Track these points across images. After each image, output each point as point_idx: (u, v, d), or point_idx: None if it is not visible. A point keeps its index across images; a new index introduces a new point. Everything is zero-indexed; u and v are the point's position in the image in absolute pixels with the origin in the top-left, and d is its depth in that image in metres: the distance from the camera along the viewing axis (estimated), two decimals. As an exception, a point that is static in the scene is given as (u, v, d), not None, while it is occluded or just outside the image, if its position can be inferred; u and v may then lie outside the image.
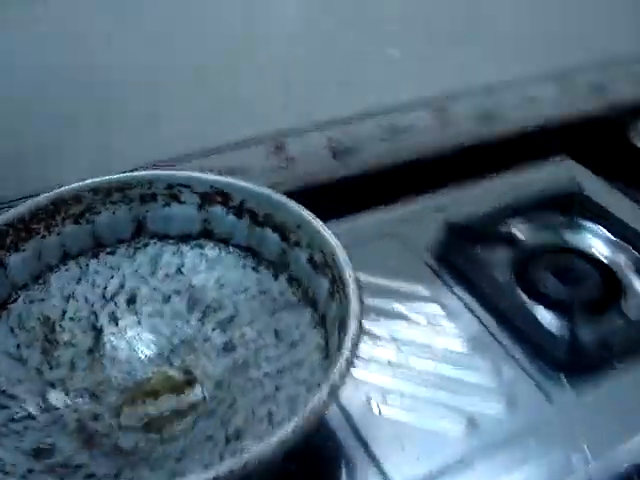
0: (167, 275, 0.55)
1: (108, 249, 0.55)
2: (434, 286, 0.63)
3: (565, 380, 0.55)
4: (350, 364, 0.41)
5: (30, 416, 0.46)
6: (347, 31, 0.67)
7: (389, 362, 0.56)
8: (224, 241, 0.56)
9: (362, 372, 0.55)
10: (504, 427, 0.52)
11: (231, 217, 0.55)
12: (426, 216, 0.69)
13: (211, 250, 0.56)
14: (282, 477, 0.44)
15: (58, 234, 0.52)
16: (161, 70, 0.62)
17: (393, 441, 0.50)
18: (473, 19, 0.72)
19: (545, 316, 0.59)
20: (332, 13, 0.66)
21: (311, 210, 0.53)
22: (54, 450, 0.45)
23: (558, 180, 0.74)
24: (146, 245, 0.56)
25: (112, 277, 0.54)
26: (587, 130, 0.81)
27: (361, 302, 0.45)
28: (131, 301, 0.54)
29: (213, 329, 0.53)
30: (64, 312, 0.52)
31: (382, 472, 0.48)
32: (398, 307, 0.61)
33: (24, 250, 0.50)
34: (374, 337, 0.58)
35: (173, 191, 0.55)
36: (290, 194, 0.60)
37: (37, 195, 0.51)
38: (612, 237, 0.68)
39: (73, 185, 0.52)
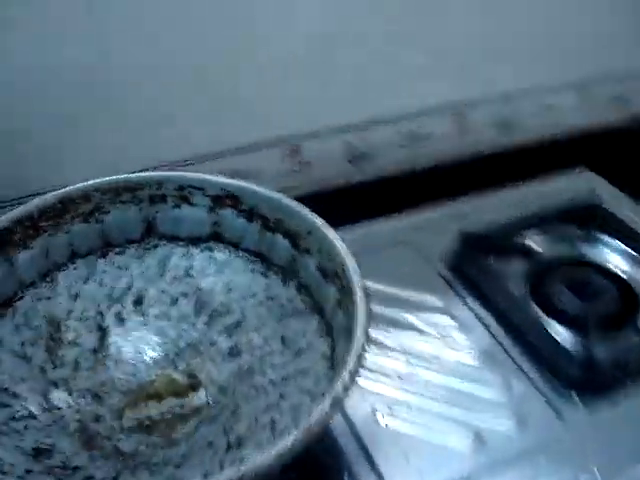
0: (175, 277, 0.55)
1: (117, 249, 0.54)
2: (447, 297, 0.62)
3: (577, 398, 0.53)
4: (354, 377, 0.40)
5: (31, 415, 0.46)
6: (367, 35, 0.67)
7: (397, 373, 0.55)
8: (234, 245, 0.55)
9: (369, 382, 0.54)
10: (513, 444, 0.51)
11: (242, 221, 0.54)
12: (441, 225, 0.68)
13: (220, 253, 0.55)
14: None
15: (67, 233, 0.52)
16: (173, 70, 0.61)
17: (397, 454, 0.49)
18: (493, 27, 0.71)
19: (559, 331, 0.57)
20: (353, 16, 0.65)
21: (325, 215, 0.52)
22: (54, 451, 0.44)
23: (577, 192, 0.72)
24: (155, 246, 0.55)
25: (120, 277, 0.54)
26: (607, 141, 0.80)
27: (369, 313, 0.44)
28: (138, 302, 0.53)
29: (219, 333, 0.52)
30: (70, 311, 0.51)
31: (385, 485, 0.48)
32: (409, 317, 0.59)
33: (32, 248, 0.50)
34: (383, 347, 0.57)
35: (184, 193, 0.54)
36: (304, 198, 0.59)
37: (42, 194, 0.51)
38: (631, 251, 0.66)
39: (82, 184, 0.52)
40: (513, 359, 0.57)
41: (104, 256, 0.54)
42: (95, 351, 0.51)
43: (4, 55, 0.55)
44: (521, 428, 0.51)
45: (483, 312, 0.60)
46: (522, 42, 0.72)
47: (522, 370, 0.56)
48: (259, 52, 0.63)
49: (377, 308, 0.60)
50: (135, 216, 0.54)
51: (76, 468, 0.43)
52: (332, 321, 0.49)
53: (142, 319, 0.53)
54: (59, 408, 0.47)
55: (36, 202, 0.50)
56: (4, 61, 0.55)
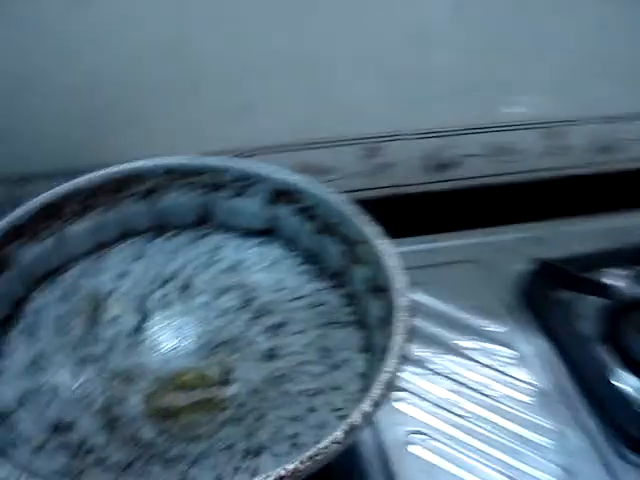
0: (225, 268, 0.53)
1: (170, 233, 0.54)
2: (509, 326, 0.58)
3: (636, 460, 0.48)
4: (378, 405, 0.37)
5: (59, 388, 0.45)
6: (464, 42, 0.63)
7: (440, 400, 0.52)
8: (287, 243, 0.53)
9: (408, 405, 0.51)
10: (554, 499, 0.47)
11: (298, 219, 0.52)
12: (517, 247, 0.63)
13: (274, 250, 0.54)
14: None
15: (122, 210, 0.51)
16: (260, 59, 0.60)
17: (423, 484, 0.47)
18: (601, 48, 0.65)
19: (628, 383, 0.52)
20: (449, 20, 0.62)
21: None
22: (73, 426, 0.44)
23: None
24: (209, 234, 0.54)
25: (169, 262, 0.53)
26: None
27: (408, 338, 0.41)
28: (184, 289, 0.52)
29: (260, 333, 0.51)
30: (115, 290, 0.51)
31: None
32: (464, 343, 0.56)
33: (84, 222, 0.50)
34: (430, 370, 0.54)
35: (244, 183, 0.53)
36: (376, 202, 0.56)
37: (107, 166, 0.51)
38: None
39: (143, 162, 0.51)
40: (572, 405, 0.52)
41: (156, 238, 0.53)
42: (133, 333, 0.50)
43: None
44: (567, 482, 0.47)
45: (546, 349, 0.56)
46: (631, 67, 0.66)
47: (579, 419, 0.51)
48: (354, 47, 0.61)
49: (431, 328, 0.57)
50: (192, 201, 0.53)
51: (92, 448, 0.43)
52: (373, 338, 0.46)
53: (185, 307, 0.52)
54: (88, 385, 0.46)
55: (94, 176, 0.50)
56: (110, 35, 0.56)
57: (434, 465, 0.48)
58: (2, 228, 0.46)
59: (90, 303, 0.50)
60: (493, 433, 0.50)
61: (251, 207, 0.53)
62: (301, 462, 0.34)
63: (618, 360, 0.54)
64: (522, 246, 0.63)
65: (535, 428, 0.50)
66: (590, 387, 0.52)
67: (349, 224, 0.50)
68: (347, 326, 0.49)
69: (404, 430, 0.50)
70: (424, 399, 0.52)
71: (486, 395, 0.52)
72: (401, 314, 0.42)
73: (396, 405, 0.52)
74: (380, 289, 0.46)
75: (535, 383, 0.53)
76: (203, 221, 0.54)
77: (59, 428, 0.43)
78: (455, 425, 0.50)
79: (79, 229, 0.50)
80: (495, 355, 0.55)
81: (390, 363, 0.39)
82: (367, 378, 0.44)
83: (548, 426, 0.51)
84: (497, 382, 0.53)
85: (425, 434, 0.50)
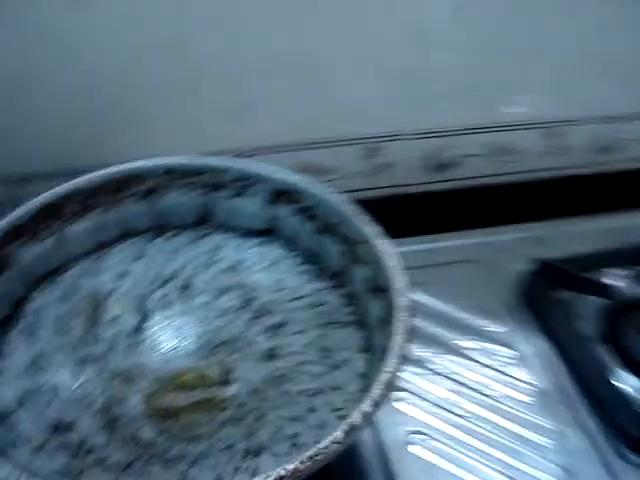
0: (225, 268, 0.53)
1: (170, 233, 0.54)
2: (509, 326, 0.58)
3: (636, 460, 0.48)
4: (378, 405, 0.37)
5: (59, 388, 0.45)
6: (465, 42, 0.63)
7: (440, 400, 0.52)
8: (287, 243, 0.53)
9: (408, 405, 0.51)
10: (554, 499, 0.47)
11: (298, 219, 0.52)
12: (517, 247, 0.63)
13: (274, 250, 0.54)
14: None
15: (122, 210, 0.51)
16: (260, 59, 0.60)
17: (422, 484, 0.47)
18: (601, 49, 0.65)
19: (628, 383, 0.52)
20: (449, 20, 0.61)
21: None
22: (73, 427, 0.44)
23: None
24: (209, 234, 0.54)
25: (169, 262, 0.53)
26: None
27: (408, 338, 0.41)
28: (184, 289, 0.52)
29: (260, 333, 0.51)
30: (115, 290, 0.51)
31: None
32: (464, 342, 0.56)
33: (84, 222, 0.50)
34: (430, 370, 0.54)
35: (244, 183, 0.52)
36: (376, 201, 0.56)
37: (107, 166, 0.51)
38: None
39: (143, 162, 0.51)
40: (572, 405, 0.52)
41: (156, 238, 0.53)
42: (133, 333, 0.50)
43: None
44: (566, 481, 0.47)
45: (546, 349, 0.56)
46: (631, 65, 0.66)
47: (579, 419, 0.51)
48: (354, 47, 0.61)
49: (431, 328, 0.57)
50: (192, 201, 0.53)
51: (92, 448, 0.43)
52: (373, 338, 0.46)
53: (185, 307, 0.52)
54: (88, 385, 0.46)
55: (94, 177, 0.50)
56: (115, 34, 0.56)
57: (434, 465, 0.48)
58: (2, 228, 0.46)
59: (90, 303, 0.50)
60: (493, 433, 0.50)
61: (251, 207, 0.53)
62: (301, 462, 0.34)
63: (618, 360, 0.53)
64: (522, 246, 0.63)
65: (535, 428, 0.50)
66: (590, 387, 0.52)
67: (349, 224, 0.50)
68: (347, 326, 0.49)
69: (404, 430, 0.50)
70: (424, 399, 0.52)
71: (486, 395, 0.52)
72: (401, 314, 0.42)
73: (396, 405, 0.52)
74: (380, 289, 0.46)
75: (535, 383, 0.53)
76: (203, 221, 0.54)
77: (59, 428, 0.43)
78: (455, 425, 0.50)
79: (79, 229, 0.50)
80: (495, 355, 0.55)
81: (390, 363, 0.39)
82: (367, 378, 0.44)
83: (548, 426, 0.51)
84: (497, 382, 0.53)
85: (425, 434, 0.50)
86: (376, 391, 0.37)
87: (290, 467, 0.34)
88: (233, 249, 0.54)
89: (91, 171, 0.51)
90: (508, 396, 0.52)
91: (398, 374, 0.39)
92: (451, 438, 0.49)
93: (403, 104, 0.65)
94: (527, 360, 0.55)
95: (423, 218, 0.66)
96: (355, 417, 0.36)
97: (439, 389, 0.53)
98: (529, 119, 0.67)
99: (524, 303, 0.59)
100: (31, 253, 0.48)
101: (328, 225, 0.51)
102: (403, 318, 0.42)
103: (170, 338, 0.50)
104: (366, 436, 0.50)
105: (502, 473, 0.48)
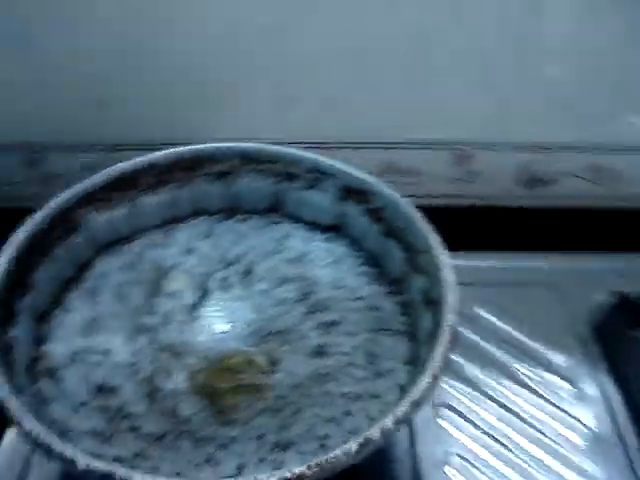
0: (289, 259, 0.53)
1: (240, 216, 0.54)
2: (575, 361, 0.54)
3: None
4: (400, 423, 0.36)
5: (110, 352, 0.47)
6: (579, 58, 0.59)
7: (486, 425, 0.50)
8: (353, 243, 0.53)
9: (451, 426, 0.50)
10: None
11: (366, 219, 0.51)
12: (597, 277, 0.59)
13: (340, 247, 0.53)
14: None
15: (195, 189, 0.52)
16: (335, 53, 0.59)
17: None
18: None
19: (697, 441, 0.48)
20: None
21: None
22: (116, 391, 0.45)
23: None
24: (278, 223, 0.54)
25: (236, 244, 0.53)
26: None
27: (445, 358, 0.39)
28: (246, 274, 0.53)
29: (313, 328, 0.50)
30: (179, 264, 0.52)
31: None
32: (523, 369, 0.53)
33: (158, 195, 0.51)
34: (482, 393, 0.52)
35: (316, 176, 0.52)
36: (461, 210, 0.54)
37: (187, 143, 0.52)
38: None
39: (222, 144, 0.52)
40: (628, 454, 0.48)
41: (226, 220, 0.54)
42: (190, 310, 0.51)
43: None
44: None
45: (612, 390, 0.52)
46: None
47: (634, 470, 0.48)
48: (450, 46, 0.59)
49: (492, 349, 0.55)
50: (265, 188, 0.54)
51: (128, 415, 0.44)
52: (419, 352, 0.45)
53: (244, 292, 0.52)
54: (137, 354, 0.48)
55: (174, 152, 0.51)
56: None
57: (468, 492, 0.46)
58: (76, 193, 0.48)
59: (153, 274, 0.51)
60: (535, 470, 0.47)
61: (321, 201, 0.53)
62: (308, 467, 0.34)
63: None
64: (603, 277, 0.59)
65: (582, 473, 0.47)
66: (653, 438, 0.49)
67: (415, 231, 0.48)
68: (397, 335, 0.48)
69: (444, 450, 0.48)
70: (471, 422, 0.50)
71: (537, 429, 0.50)
72: (445, 331, 0.41)
73: (441, 422, 0.50)
74: (433, 302, 0.44)
75: (592, 426, 0.50)
76: (274, 209, 0.54)
77: (102, 390, 0.45)
78: (497, 455, 0.48)
79: (152, 202, 0.52)
80: (555, 388, 0.52)
81: (421, 383, 0.38)
82: (405, 391, 0.43)
83: (597, 475, 0.47)
84: (551, 418, 0.50)
85: (465, 458, 0.48)
86: (401, 409, 0.36)
87: (296, 471, 0.33)
88: (300, 240, 0.54)
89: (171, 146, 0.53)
90: (560, 434, 0.50)
91: (429, 394, 0.38)
92: (490, 467, 0.47)
93: (498, 114, 0.62)
94: (588, 400, 0.52)
95: (505, 234, 0.63)
96: (373, 432, 0.35)
97: (489, 415, 0.51)
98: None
99: (596, 337, 0.55)
100: (102, 219, 0.50)
101: (394, 229, 0.50)
102: (446, 336, 0.40)
103: (224, 320, 0.51)
104: (404, 446, 0.49)
105: (538, 514, 0.45)
